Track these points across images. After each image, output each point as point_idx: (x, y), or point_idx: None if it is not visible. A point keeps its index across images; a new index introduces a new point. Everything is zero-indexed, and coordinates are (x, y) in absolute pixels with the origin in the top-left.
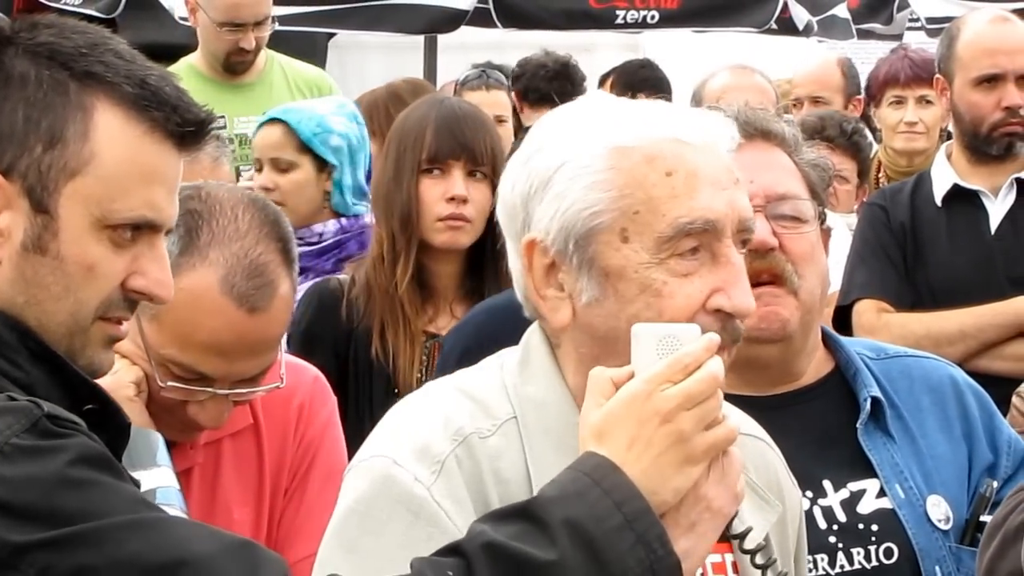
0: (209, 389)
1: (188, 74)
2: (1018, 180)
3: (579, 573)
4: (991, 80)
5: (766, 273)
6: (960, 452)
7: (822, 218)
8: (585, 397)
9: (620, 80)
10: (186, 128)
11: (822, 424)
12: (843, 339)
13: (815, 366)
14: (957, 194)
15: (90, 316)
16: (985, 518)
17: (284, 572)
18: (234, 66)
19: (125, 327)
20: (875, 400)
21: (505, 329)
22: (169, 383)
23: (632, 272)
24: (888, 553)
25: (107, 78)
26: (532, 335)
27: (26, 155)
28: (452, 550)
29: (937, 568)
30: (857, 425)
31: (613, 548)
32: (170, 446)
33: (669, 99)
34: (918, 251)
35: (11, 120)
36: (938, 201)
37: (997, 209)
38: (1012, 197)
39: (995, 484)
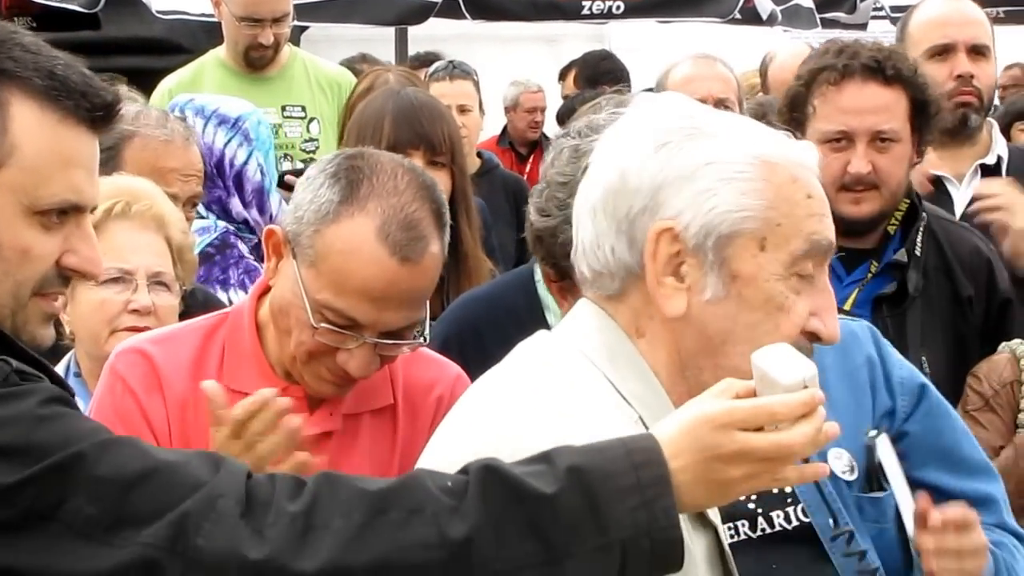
0: (359, 336)
1: (214, 65)
2: (982, 166)
3: (572, 515)
4: (942, 52)
5: None
6: (864, 401)
7: None
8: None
9: (583, 73)
10: (96, 112)
11: None
12: None
13: None
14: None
15: (27, 295)
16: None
17: (245, 470)
18: (253, 60)
19: (60, 302)
20: None
21: (486, 319)
22: (322, 325)
23: (763, 281)
24: (806, 512)
25: (17, 73)
26: (602, 322)
27: None
28: (462, 469)
29: (830, 520)
30: None
31: (614, 503)
32: (315, 405)
33: (629, 89)
34: None
35: None
36: None
37: (962, 196)
38: (976, 183)
39: (873, 432)
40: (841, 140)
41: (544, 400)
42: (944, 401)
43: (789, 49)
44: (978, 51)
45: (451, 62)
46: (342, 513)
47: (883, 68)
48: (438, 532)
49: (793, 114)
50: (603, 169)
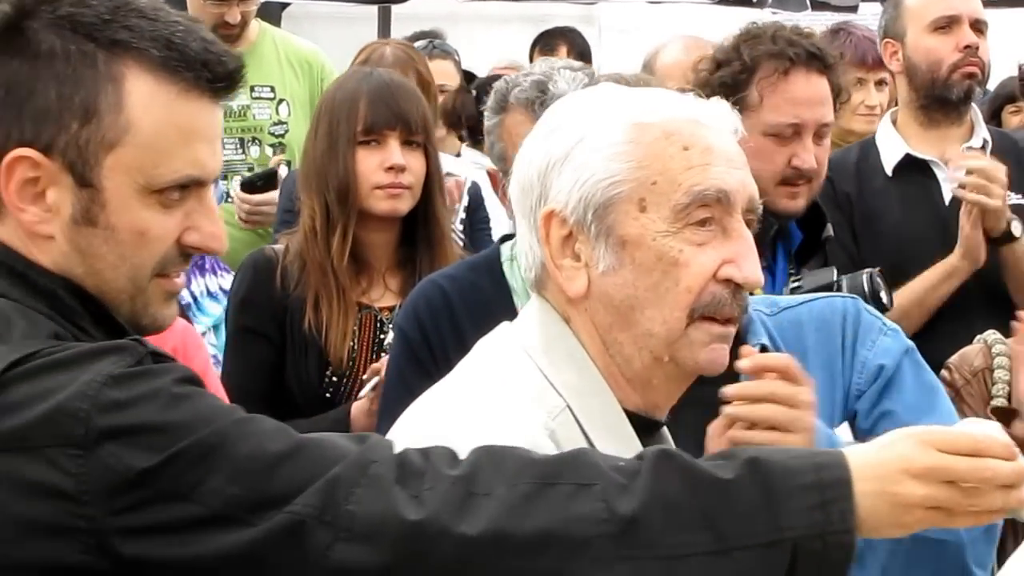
0: None
1: None
2: (970, 149)
3: (745, 505)
4: (947, 25)
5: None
6: (838, 386)
7: None
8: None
9: (543, 51)
10: (218, 83)
11: (720, 380)
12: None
13: None
14: (907, 164)
15: (147, 277)
16: None
17: (392, 443)
18: (220, 39)
19: (181, 278)
20: (763, 348)
21: (457, 299)
22: None
23: (650, 240)
24: None
25: (133, 44)
26: (543, 315)
27: (63, 132)
28: (638, 455)
29: None
30: (739, 366)
31: (791, 499)
32: None
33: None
34: (867, 223)
35: (45, 98)
36: (888, 171)
37: (950, 179)
38: (976, 159)
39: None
40: (788, 133)
41: (469, 400)
42: (916, 370)
43: (679, 43)
44: (979, 26)
45: (431, 41)
46: (505, 481)
47: (823, 57)
48: (606, 507)
49: (727, 97)
50: (516, 167)
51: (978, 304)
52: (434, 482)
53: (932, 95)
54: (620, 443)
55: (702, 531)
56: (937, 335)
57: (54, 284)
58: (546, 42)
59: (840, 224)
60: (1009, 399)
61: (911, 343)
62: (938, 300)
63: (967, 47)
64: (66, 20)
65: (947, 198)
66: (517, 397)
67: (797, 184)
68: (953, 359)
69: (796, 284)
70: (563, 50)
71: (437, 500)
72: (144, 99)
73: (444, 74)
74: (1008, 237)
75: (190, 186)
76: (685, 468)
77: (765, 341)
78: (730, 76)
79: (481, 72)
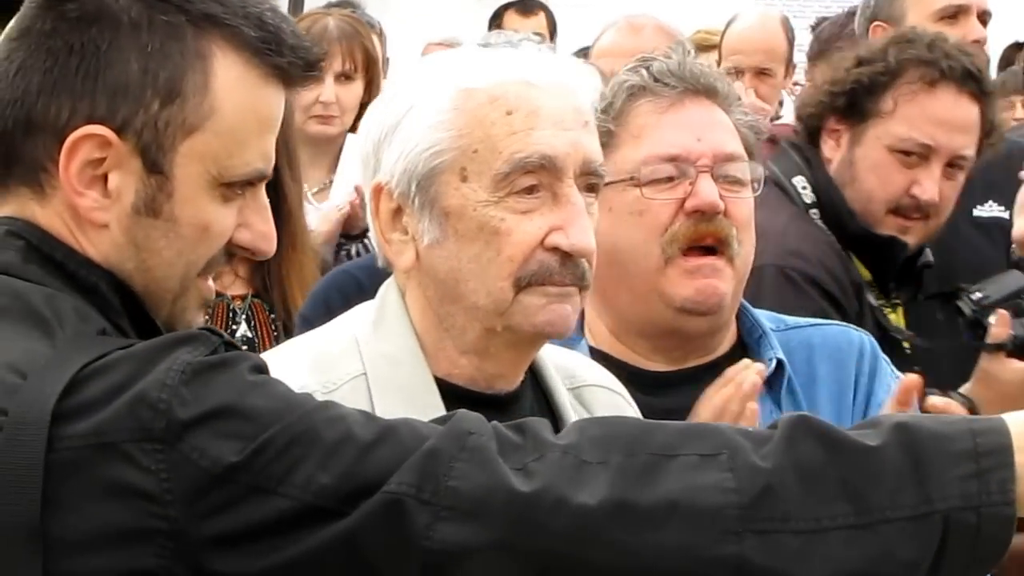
0: None
1: None
2: None
3: (894, 476)
4: (955, 15)
5: (710, 237)
6: (845, 420)
7: (758, 183)
8: None
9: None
10: (308, 71)
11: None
12: (749, 306)
13: (728, 338)
14: None
15: (195, 275)
16: None
17: (482, 417)
18: None
19: (213, 284)
20: (779, 363)
21: (371, 287)
22: None
23: (471, 211)
24: None
25: (226, 20)
26: (387, 289)
27: (142, 111)
28: (771, 424)
29: None
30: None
31: (943, 469)
32: None
33: None
34: None
35: (126, 72)
36: None
37: None
38: None
39: None
40: (916, 154)
41: (276, 365)
42: None
43: (618, 24)
44: (984, 18)
45: (353, 11)
46: (622, 449)
47: (980, 81)
48: (735, 476)
49: (859, 98)
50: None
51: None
52: (540, 451)
53: None
54: (419, 413)
55: (843, 502)
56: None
57: (96, 277)
58: (523, 5)
59: None
60: None
61: None
62: None
63: (975, 42)
64: None
65: None
66: (301, 366)
67: (911, 217)
68: None
69: (979, 295)
70: (541, 16)
71: (549, 470)
72: (231, 82)
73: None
74: None
75: (254, 181)
76: (824, 433)
77: (781, 355)
78: (868, 76)
79: (416, 51)
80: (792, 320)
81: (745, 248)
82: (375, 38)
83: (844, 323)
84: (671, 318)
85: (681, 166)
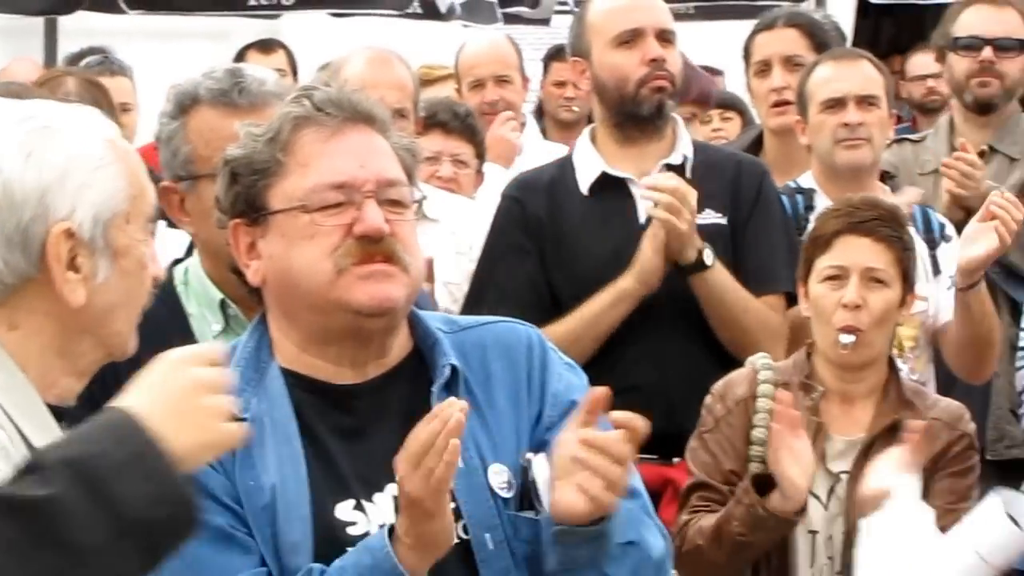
0: None
1: None
2: (668, 166)
3: (82, 510)
4: (631, 39)
5: (379, 256)
6: (523, 415)
7: (418, 203)
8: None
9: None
10: None
11: (409, 402)
12: (420, 312)
13: (401, 343)
14: (604, 182)
15: None
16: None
17: None
18: None
19: None
20: (454, 369)
21: None
22: None
23: (134, 248)
24: (465, 529)
25: None
26: None
27: None
28: None
29: (488, 536)
30: (433, 389)
31: (119, 483)
32: None
33: None
34: (560, 245)
35: None
36: (584, 190)
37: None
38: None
39: (530, 454)
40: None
41: None
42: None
43: (363, 56)
44: (665, 37)
45: (106, 56)
46: None
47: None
48: None
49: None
50: None
51: (671, 325)
52: None
53: (623, 112)
54: (43, 432)
55: (46, 553)
56: (627, 359)
57: None
58: (264, 44)
59: (528, 251)
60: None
61: (587, 379)
62: (610, 324)
63: (653, 60)
64: None
65: (643, 217)
66: None
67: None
68: (718, 386)
69: None
70: (281, 54)
71: None
72: None
73: (125, 92)
74: (700, 266)
75: None
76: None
77: (455, 361)
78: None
79: (160, 93)
80: (465, 320)
81: (416, 260)
82: (129, 83)
83: (511, 319)
84: (350, 321)
85: (347, 192)
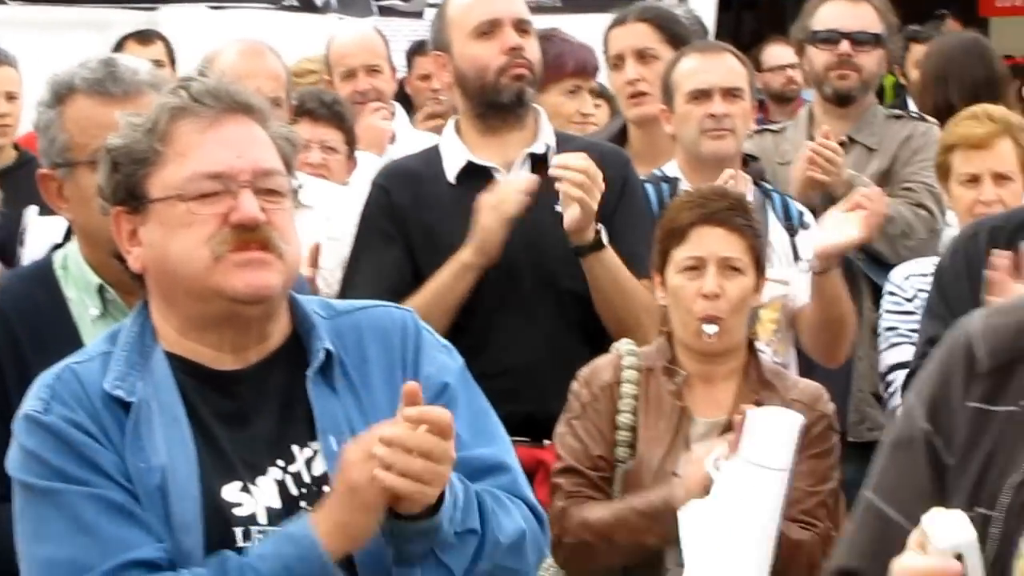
0: None
1: None
2: (532, 155)
3: None
4: (489, 30)
5: (255, 244)
6: (399, 398)
7: (295, 192)
8: None
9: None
10: None
11: (289, 387)
12: (300, 297)
13: (282, 329)
14: (470, 171)
15: None
16: None
17: None
18: None
19: None
20: (328, 353)
21: (14, 315)
22: None
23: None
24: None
25: None
26: None
27: None
28: None
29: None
30: (307, 374)
31: None
32: None
33: None
34: (426, 232)
35: None
36: (451, 179)
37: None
38: (526, 173)
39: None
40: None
41: None
42: (469, 390)
43: (235, 48)
44: (523, 27)
45: None
46: None
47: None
48: None
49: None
50: None
51: (540, 310)
52: None
53: (485, 102)
54: None
55: None
56: (497, 343)
57: None
58: (142, 35)
59: (393, 237)
60: (635, 413)
61: (462, 361)
62: (456, 297)
63: (512, 49)
64: None
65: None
66: None
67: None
68: (584, 372)
69: None
70: (159, 45)
71: None
72: None
73: (11, 81)
74: (598, 245)
75: None
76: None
77: (329, 345)
78: None
79: (40, 83)
80: (342, 305)
81: (293, 247)
82: (15, 71)
83: (388, 303)
84: (227, 308)
85: (224, 181)
